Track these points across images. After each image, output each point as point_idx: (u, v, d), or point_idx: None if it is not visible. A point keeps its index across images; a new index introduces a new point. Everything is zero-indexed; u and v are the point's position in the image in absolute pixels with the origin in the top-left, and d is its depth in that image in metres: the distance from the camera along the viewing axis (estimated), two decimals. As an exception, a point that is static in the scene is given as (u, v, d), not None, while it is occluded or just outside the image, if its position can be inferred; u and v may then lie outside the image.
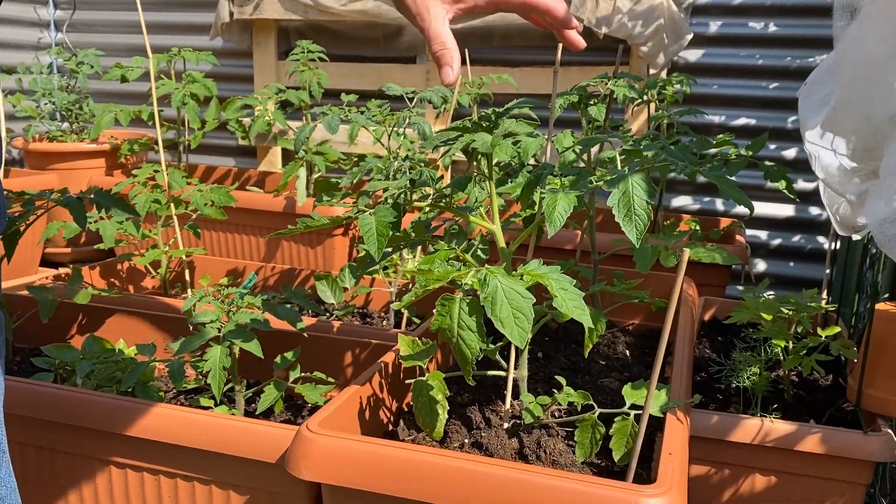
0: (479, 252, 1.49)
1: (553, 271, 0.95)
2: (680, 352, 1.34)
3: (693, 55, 2.94)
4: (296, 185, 2.65)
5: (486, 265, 0.93)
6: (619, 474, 1.11)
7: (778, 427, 1.31)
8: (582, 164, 1.61)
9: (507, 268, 1.07)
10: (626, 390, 1.10)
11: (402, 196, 1.06)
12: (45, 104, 3.22)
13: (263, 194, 2.73)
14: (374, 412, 1.18)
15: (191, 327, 1.26)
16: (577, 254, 1.76)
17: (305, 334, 1.30)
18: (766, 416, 1.34)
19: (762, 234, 2.97)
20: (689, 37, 2.72)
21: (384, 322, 1.85)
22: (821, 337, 1.48)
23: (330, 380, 1.33)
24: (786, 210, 2.92)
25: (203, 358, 1.18)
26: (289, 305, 1.33)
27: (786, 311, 1.51)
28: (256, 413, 1.26)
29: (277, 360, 1.32)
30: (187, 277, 1.81)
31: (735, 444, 1.34)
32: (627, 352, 1.64)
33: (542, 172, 1.07)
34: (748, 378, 1.39)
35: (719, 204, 3.01)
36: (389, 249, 1.25)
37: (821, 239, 2.90)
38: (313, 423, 0.98)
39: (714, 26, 2.91)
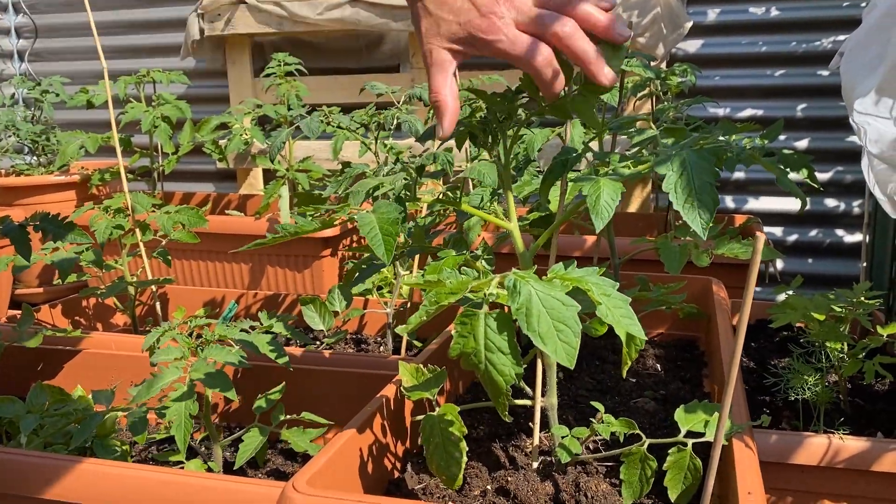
0: (483, 263, 1.30)
1: (591, 274, 0.77)
2: (728, 365, 1.14)
3: (692, 46, 2.78)
4: (278, 206, 2.47)
5: (514, 269, 0.74)
6: (676, 517, 0.92)
7: (849, 445, 1.12)
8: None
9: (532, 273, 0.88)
10: (680, 415, 0.91)
11: (405, 190, 0.87)
12: (9, 137, 3.04)
13: (243, 218, 2.54)
14: (377, 458, 0.99)
15: (155, 368, 1.07)
16: (595, 259, 1.57)
17: (291, 368, 1.11)
18: (832, 432, 1.15)
19: (777, 231, 2.79)
20: (689, 25, 2.56)
21: (381, 348, 1.66)
22: (882, 337, 1.29)
23: (322, 421, 1.13)
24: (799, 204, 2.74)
25: (166, 404, 0.98)
26: (269, 336, 1.14)
27: (839, 310, 1.32)
28: (234, 467, 1.06)
29: (261, 401, 1.12)
30: (158, 311, 1.61)
31: (799, 468, 1.15)
32: (659, 366, 1.45)
33: (568, 158, 0.88)
34: (808, 389, 1.20)
35: (729, 201, 2.84)
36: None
37: (839, 232, 2.73)
38: (300, 480, 0.78)
39: (713, 14, 2.76)
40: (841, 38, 2.63)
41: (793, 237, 2.77)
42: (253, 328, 1.17)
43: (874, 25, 1.19)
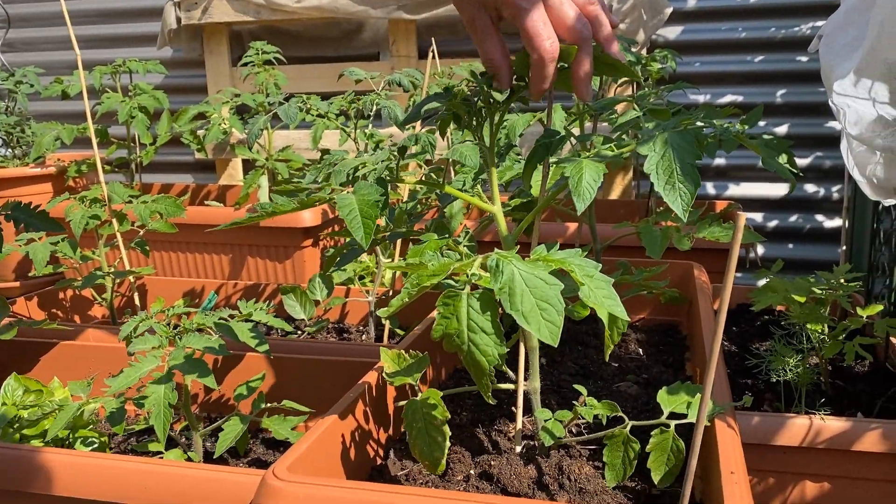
0: (465, 249, 1.29)
1: (574, 256, 0.76)
2: (710, 347, 1.15)
3: (672, 32, 2.78)
4: (258, 196, 2.45)
5: (496, 250, 0.74)
6: (659, 498, 0.92)
7: (830, 425, 1.13)
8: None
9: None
10: (662, 397, 0.91)
11: (387, 170, 0.86)
12: (-19, 129, 2.98)
13: (222, 208, 2.51)
14: (359, 445, 0.98)
15: (133, 358, 1.05)
16: (577, 245, 1.57)
17: (271, 356, 1.09)
18: (813, 413, 1.16)
19: (758, 217, 2.81)
20: (669, 10, 2.56)
21: (363, 336, 1.65)
22: (862, 318, 1.30)
23: (302, 409, 1.12)
24: (780, 189, 2.76)
25: (144, 394, 0.97)
26: (249, 323, 1.12)
27: (819, 292, 1.33)
28: (215, 456, 1.05)
29: (241, 389, 1.11)
30: (137, 302, 1.59)
31: (781, 448, 1.15)
32: (641, 350, 1.45)
33: (551, 140, 0.87)
34: (790, 370, 1.20)
35: (710, 188, 2.85)
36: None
37: (819, 217, 2.75)
38: (280, 467, 0.77)
39: (692, 0, 2.76)
40: (819, 23, 2.64)
41: (773, 223, 2.79)
42: (232, 317, 1.15)
43: (853, 8, 1.19)
